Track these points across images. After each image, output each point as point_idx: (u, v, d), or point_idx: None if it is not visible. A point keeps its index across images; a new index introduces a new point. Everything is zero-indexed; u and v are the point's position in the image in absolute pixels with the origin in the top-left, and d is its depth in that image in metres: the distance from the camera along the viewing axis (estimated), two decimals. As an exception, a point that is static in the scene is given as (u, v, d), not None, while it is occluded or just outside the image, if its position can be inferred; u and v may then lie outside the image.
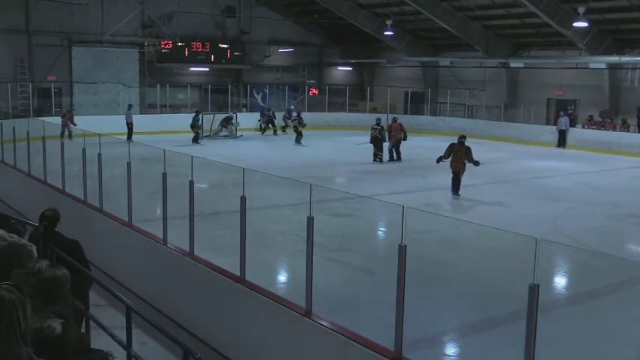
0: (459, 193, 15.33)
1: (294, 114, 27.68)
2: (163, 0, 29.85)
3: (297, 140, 25.79)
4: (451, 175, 15.48)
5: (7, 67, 27.11)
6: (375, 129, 21.15)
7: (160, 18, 29.89)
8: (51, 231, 5.88)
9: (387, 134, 21.52)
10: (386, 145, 21.40)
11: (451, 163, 15.47)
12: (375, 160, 21.02)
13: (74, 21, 28.29)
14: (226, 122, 27.74)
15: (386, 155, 21.29)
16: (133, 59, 30.53)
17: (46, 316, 3.08)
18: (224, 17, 32.68)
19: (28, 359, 2.63)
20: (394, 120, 22.43)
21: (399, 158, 21.35)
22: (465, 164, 15.42)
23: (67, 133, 22.81)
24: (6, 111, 23.45)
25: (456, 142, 15.73)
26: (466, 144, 15.65)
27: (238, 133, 27.83)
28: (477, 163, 15.49)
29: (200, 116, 25.88)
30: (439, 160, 15.81)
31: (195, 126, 25.44)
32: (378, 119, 21.96)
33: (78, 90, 28.72)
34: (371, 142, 21.32)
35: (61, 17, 27.94)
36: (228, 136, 27.51)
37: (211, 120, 27.16)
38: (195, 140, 25.23)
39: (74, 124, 23.37)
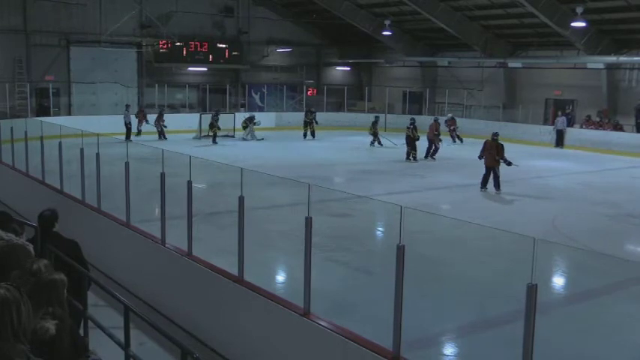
0: (500, 188, 15.89)
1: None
2: (161, 0, 29.84)
3: (373, 143, 25.45)
4: (483, 172, 16.11)
5: (5, 67, 27.06)
6: (409, 128, 21.67)
7: (158, 18, 29.84)
8: (49, 231, 5.87)
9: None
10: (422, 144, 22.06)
11: (485, 159, 16.10)
12: (407, 158, 21.54)
13: (72, 21, 28.26)
14: (248, 123, 26.98)
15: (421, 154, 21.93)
16: (131, 59, 30.49)
17: (40, 318, 3.08)
18: (222, 17, 32.66)
19: (24, 357, 2.63)
20: (435, 120, 23.21)
21: (426, 156, 22.02)
22: (498, 160, 15.95)
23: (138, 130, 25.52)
24: (4, 111, 23.44)
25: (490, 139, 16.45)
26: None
27: (259, 136, 26.84)
28: (508, 163, 16.09)
29: (219, 116, 25.88)
30: (480, 157, 16.47)
31: (214, 126, 25.43)
32: (412, 119, 22.47)
33: (76, 90, 28.71)
34: (405, 142, 21.87)
35: (59, 17, 27.92)
36: (245, 139, 26.70)
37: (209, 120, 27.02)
38: (214, 140, 25.18)
39: (147, 122, 25.83)
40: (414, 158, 21.53)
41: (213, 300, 7.22)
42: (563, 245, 10.65)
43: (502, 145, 16.19)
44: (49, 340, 3.07)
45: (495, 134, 16.55)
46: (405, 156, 21.70)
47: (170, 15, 30.13)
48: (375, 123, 25.56)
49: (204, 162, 10.03)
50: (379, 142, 25.31)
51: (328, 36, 36.30)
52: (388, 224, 11.96)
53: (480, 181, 16.13)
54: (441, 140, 22.75)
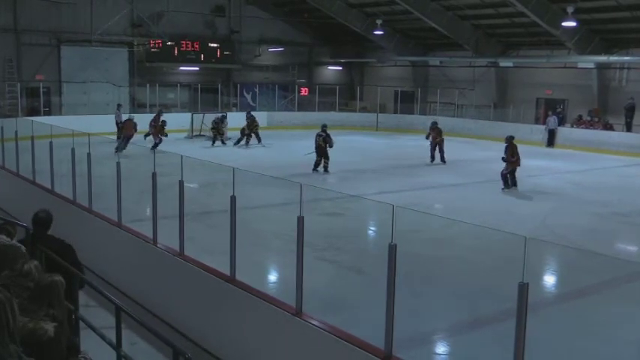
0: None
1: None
2: (153, -1, 29.79)
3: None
4: (505, 172, 16.35)
5: (-4, 66, 26.97)
6: (321, 136, 18.50)
7: (149, 17, 29.78)
8: (44, 233, 5.74)
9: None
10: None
11: (513, 161, 16.37)
12: (315, 169, 18.39)
13: (63, 20, 28.15)
14: (217, 124, 25.64)
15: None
16: (122, 59, 30.40)
17: (40, 319, 3.07)
18: (214, 16, 32.61)
19: (16, 358, 2.62)
20: (433, 126, 21.64)
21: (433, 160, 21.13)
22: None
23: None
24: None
25: (507, 143, 16.61)
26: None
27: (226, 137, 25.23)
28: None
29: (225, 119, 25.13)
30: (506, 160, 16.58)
31: (219, 130, 24.77)
32: (324, 125, 19.18)
33: (67, 89, 28.57)
34: (316, 152, 18.62)
35: (50, 16, 27.80)
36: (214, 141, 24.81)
37: (201, 119, 26.95)
38: (223, 141, 24.60)
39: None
40: (325, 169, 18.43)
41: (205, 300, 7.21)
42: (554, 244, 10.69)
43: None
44: (47, 342, 3.06)
45: (512, 137, 16.83)
46: (313, 166, 18.39)
47: (161, 14, 30.07)
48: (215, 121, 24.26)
49: (196, 162, 10.01)
50: (222, 142, 24.37)
51: (320, 35, 36.32)
52: (380, 223, 11.96)
53: (504, 182, 16.30)
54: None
